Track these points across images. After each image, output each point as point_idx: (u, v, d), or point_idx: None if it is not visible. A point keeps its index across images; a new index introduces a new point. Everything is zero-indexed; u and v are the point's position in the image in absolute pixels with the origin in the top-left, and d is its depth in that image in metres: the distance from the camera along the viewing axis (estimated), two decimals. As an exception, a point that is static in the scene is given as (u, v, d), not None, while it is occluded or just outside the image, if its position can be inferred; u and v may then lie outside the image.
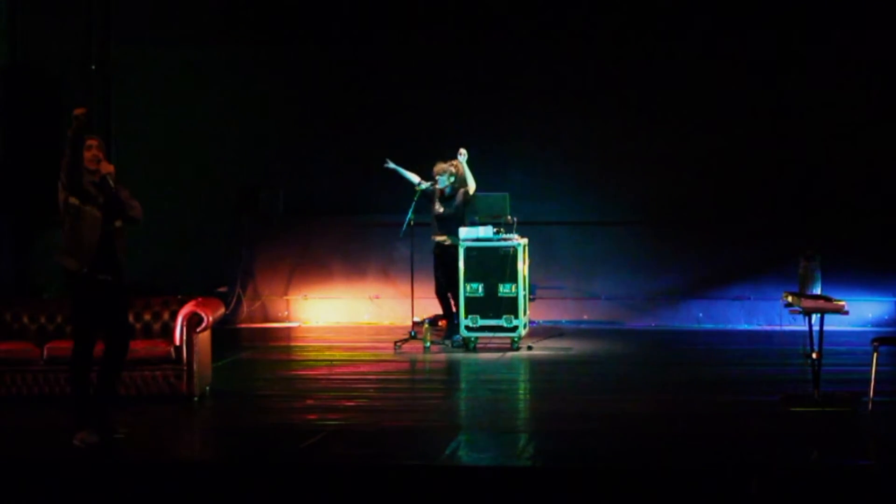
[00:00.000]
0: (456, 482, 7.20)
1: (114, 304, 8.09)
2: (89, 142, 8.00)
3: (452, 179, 12.29)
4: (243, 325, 14.56)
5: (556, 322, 14.22)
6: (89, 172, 7.99)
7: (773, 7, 13.82)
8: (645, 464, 7.39)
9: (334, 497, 7.10)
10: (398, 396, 9.93)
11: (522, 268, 12.19)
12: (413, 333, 12.50)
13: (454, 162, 12.32)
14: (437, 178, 12.32)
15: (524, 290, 12.25)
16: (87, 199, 7.96)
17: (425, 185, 12.38)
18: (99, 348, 8.17)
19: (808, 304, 8.83)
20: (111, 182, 8.02)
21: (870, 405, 8.57)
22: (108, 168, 8.03)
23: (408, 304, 12.82)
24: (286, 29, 14.60)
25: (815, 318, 8.93)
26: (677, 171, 14.14)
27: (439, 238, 12.36)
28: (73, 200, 7.95)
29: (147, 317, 9.91)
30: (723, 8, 13.93)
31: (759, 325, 13.94)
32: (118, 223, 8.05)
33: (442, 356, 11.96)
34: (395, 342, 12.37)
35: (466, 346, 12.10)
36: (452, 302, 12.37)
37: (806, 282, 8.98)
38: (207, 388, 9.78)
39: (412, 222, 12.35)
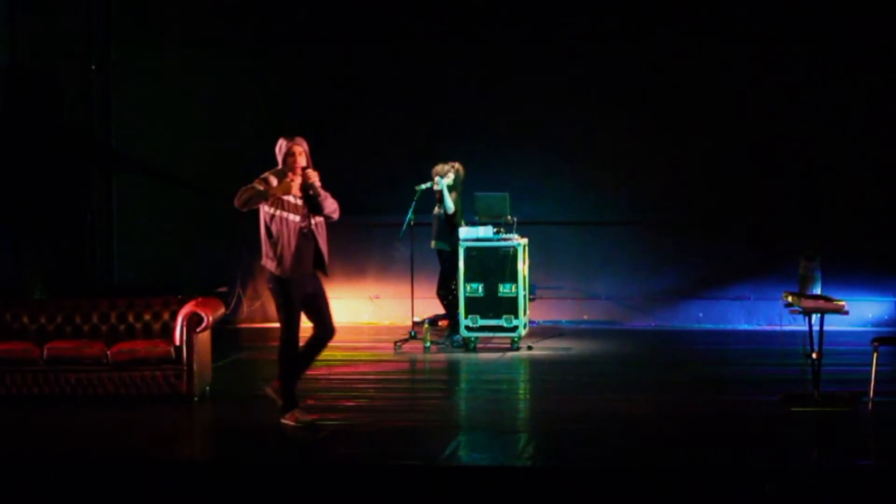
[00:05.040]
0: (456, 482, 7.21)
1: (319, 295, 8.62)
2: (294, 148, 8.38)
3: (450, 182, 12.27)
4: (243, 325, 14.54)
5: (556, 322, 14.21)
6: (293, 175, 8.36)
7: (774, 7, 13.81)
8: (645, 464, 7.39)
9: (334, 497, 7.10)
10: (398, 396, 9.94)
11: (522, 268, 12.19)
12: (413, 333, 12.49)
13: (454, 164, 12.31)
14: (437, 178, 12.31)
15: (524, 290, 12.24)
16: (286, 206, 8.34)
17: (425, 185, 12.37)
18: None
19: (808, 304, 8.83)
20: (313, 189, 8.38)
21: (870, 405, 8.58)
22: (311, 177, 8.37)
23: (408, 304, 12.81)
24: (286, 29, 14.57)
25: (815, 318, 8.93)
26: (677, 171, 14.12)
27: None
28: (270, 210, 8.34)
29: (147, 317, 9.91)
30: (723, 8, 13.92)
31: (759, 325, 13.92)
32: (316, 221, 8.45)
33: (442, 356, 11.95)
34: (395, 342, 12.36)
35: (466, 346, 12.10)
36: (443, 303, 12.41)
37: (806, 282, 8.98)
38: (207, 388, 9.77)
39: (412, 222, 12.33)
